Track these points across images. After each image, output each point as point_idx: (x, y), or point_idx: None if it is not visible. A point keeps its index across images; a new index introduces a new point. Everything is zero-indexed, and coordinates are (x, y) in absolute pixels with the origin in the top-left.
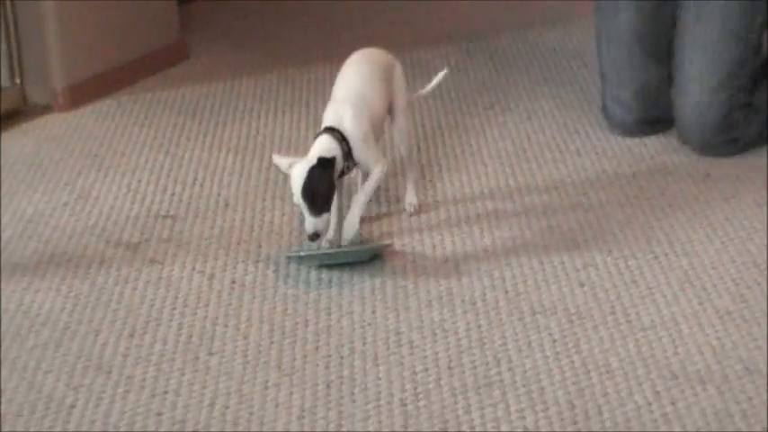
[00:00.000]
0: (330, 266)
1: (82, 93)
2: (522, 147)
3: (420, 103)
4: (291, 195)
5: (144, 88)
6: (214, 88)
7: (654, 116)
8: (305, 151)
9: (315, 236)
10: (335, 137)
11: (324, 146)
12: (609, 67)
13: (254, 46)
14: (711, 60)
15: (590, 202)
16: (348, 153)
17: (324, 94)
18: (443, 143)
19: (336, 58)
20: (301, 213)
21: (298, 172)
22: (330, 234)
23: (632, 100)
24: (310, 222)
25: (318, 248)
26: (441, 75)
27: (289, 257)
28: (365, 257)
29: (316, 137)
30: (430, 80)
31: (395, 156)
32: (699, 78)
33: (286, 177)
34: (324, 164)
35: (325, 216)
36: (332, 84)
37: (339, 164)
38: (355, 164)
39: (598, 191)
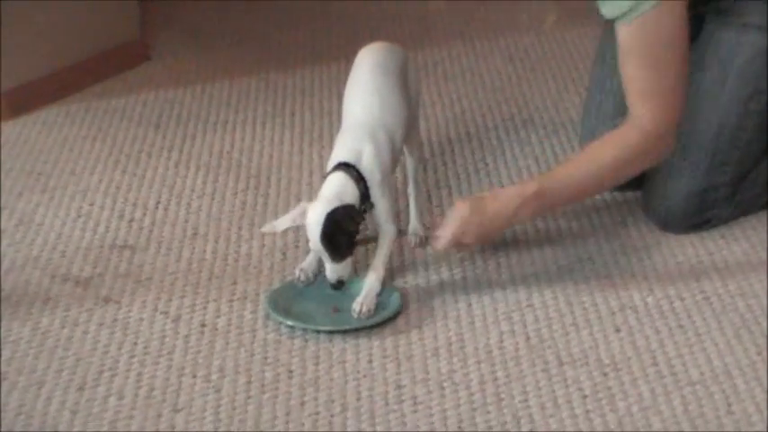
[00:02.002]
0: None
1: (23, 99)
2: (547, 165)
3: (425, 112)
4: (307, 242)
5: (97, 94)
6: (180, 95)
7: None
8: (287, 171)
9: (339, 284)
10: (352, 176)
11: (339, 186)
12: (598, 89)
13: (227, 45)
14: (700, 128)
15: (628, 232)
16: (365, 194)
17: (312, 102)
18: (453, 161)
19: (327, 60)
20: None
21: (314, 218)
22: (307, 264)
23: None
24: (333, 270)
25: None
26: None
27: (280, 322)
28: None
29: (327, 174)
30: (437, 86)
31: (397, 176)
32: (680, 143)
33: (265, 200)
34: (345, 208)
35: (348, 261)
36: (320, 91)
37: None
38: (372, 207)
39: (638, 218)
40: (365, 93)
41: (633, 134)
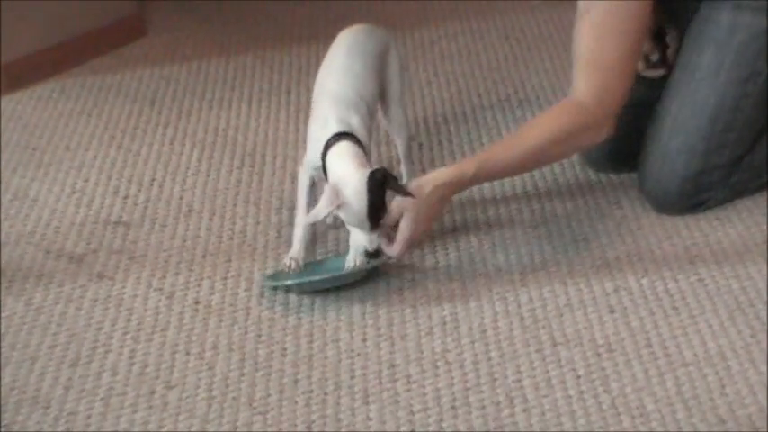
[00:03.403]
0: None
1: (18, 74)
2: None
3: (421, 92)
4: (345, 214)
5: (92, 70)
6: (176, 71)
7: (625, 150)
8: (283, 148)
9: (378, 252)
10: (356, 143)
11: (355, 154)
12: None
13: (224, 21)
14: (696, 110)
15: (623, 213)
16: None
17: (308, 80)
18: (449, 140)
19: (324, 38)
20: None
21: (357, 189)
22: (295, 252)
23: None
24: (371, 240)
25: (289, 270)
26: None
27: (275, 287)
28: (361, 276)
29: (327, 146)
30: (434, 65)
31: (391, 154)
32: (676, 126)
33: (260, 178)
34: (377, 173)
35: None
36: (317, 69)
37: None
38: None
39: (633, 199)
40: (341, 71)
41: (572, 110)
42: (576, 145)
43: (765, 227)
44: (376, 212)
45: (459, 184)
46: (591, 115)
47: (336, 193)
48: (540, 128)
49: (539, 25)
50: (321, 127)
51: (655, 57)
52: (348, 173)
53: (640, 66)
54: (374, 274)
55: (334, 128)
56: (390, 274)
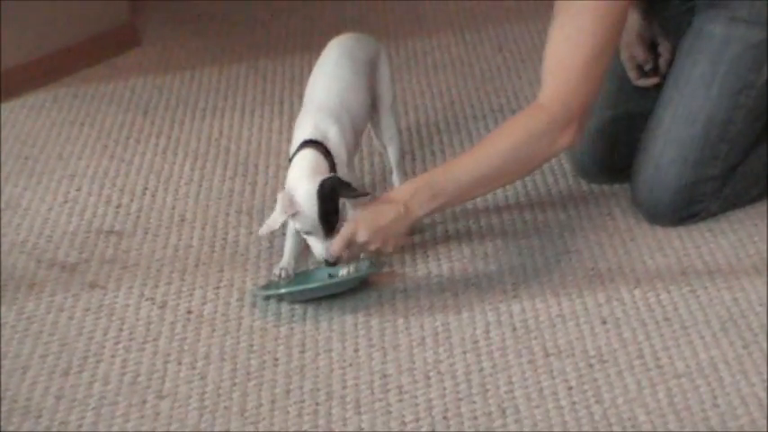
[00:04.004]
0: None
1: (11, 83)
2: None
3: (414, 103)
4: (299, 223)
5: (86, 79)
6: (170, 80)
7: (618, 160)
8: (276, 158)
9: (335, 261)
10: (321, 151)
11: (313, 161)
12: None
13: (217, 31)
14: (689, 122)
15: (616, 224)
16: (333, 171)
17: (301, 90)
18: (442, 151)
19: (317, 47)
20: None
21: (306, 197)
22: (285, 262)
23: (595, 132)
24: (326, 247)
25: (280, 281)
26: None
27: (267, 296)
28: (354, 285)
29: (295, 152)
30: (427, 75)
31: (384, 164)
32: (669, 137)
33: (252, 188)
34: (327, 181)
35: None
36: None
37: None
38: None
39: (625, 210)
40: (329, 80)
41: (537, 115)
42: (545, 150)
43: (757, 238)
44: (328, 219)
45: (411, 194)
46: (558, 118)
47: (290, 200)
48: (510, 133)
49: (532, 36)
50: (297, 135)
51: (648, 66)
52: (300, 181)
53: (633, 75)
54: (366, 282)
55: (306, 136)
56: (382, 284)
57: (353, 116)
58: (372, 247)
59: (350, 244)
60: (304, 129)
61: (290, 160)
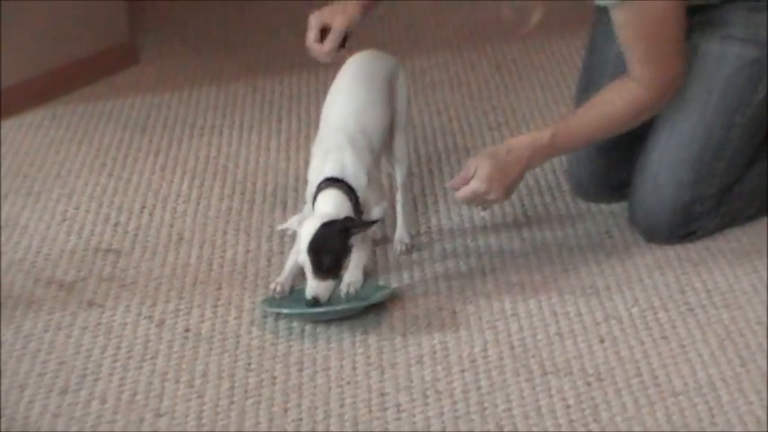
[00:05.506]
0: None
1: (10, 101)
2: (533, 175)
3: (413, 122)
4: (298, 253)
5: (84, 97)
6: (168, 99)
7: (615, 179)
8: (274, 177)
9: (314, 301)
10: (343, 189)
11: (333, 204)
12: (590, 79)
13: (215, 49)
14: (685, 141)
15: (614, 242)
16: (356, 203)
17: (299, 109)
18: (440, 170)
19: (316, 67)
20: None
21: (307, 228)
22: (282, 278)
23: (594, 151)
24: (311, 286)
25: (275, 294)
26: None
27: (267, 310)
28: (360, 311)
29: (318, 190)
30: (425, 94)
31: (391, 183)
32: (665, 156)
33: (250, 206)
34: (336, 223)
35: (330, 283)
36: (308, 97)
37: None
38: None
39: (623, 228)
40: (346, 101)
41: (638, 90)
42: (650, 114)
43: (755, 257)
44: (320, 258)
45: (537, 147)
46: (656, 91)
47: (301, 221)
48: (620, 98)
49: (530, 55)
50: (318, 165)
51: None
52: (314, 216)
53: None
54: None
55: (326, 171)
56: (381, 303)
57: (370, 135)
58: (494, 201)
59: (477, 198)
60: (322, 160)
61: (312, 191)
